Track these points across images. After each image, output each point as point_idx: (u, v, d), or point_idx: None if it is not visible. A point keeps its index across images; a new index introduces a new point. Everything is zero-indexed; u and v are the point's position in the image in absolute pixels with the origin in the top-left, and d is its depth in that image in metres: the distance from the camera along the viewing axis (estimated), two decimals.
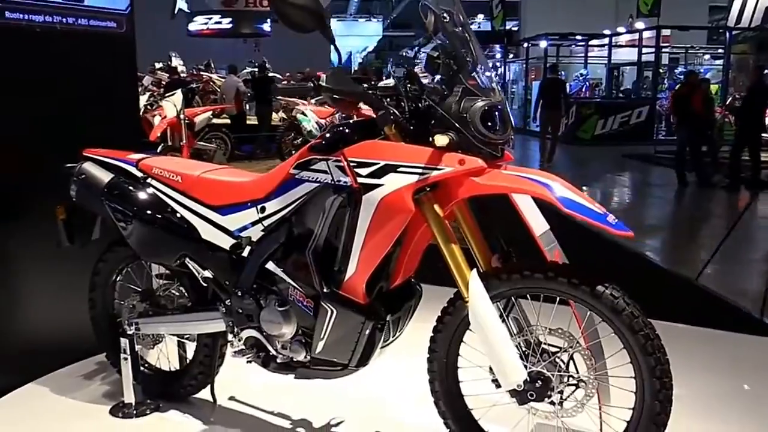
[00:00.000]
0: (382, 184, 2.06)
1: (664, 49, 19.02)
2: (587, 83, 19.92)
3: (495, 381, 2.16)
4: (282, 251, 2.36)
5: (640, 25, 18.77)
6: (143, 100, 8.88)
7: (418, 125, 2.12)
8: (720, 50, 19.65)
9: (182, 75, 13.99)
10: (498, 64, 23.95)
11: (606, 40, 19.96)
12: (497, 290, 2.13)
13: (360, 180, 2.10)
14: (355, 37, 39.13)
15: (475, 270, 2.12)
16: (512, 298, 2.19)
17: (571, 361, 2.17)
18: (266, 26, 24.69)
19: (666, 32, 18.82)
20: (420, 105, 2.13)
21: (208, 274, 2.53)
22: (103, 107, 3.32)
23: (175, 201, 2.58)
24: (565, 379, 2.15)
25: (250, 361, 2.48)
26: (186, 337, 2.86)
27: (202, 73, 16.63)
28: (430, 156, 2.03)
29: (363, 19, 40.02)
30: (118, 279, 2.96)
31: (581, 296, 2.05)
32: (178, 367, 2.96)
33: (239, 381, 2.96)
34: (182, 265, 2.59)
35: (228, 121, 12.90)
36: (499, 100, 2.10)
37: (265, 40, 24.62)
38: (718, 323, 3.92)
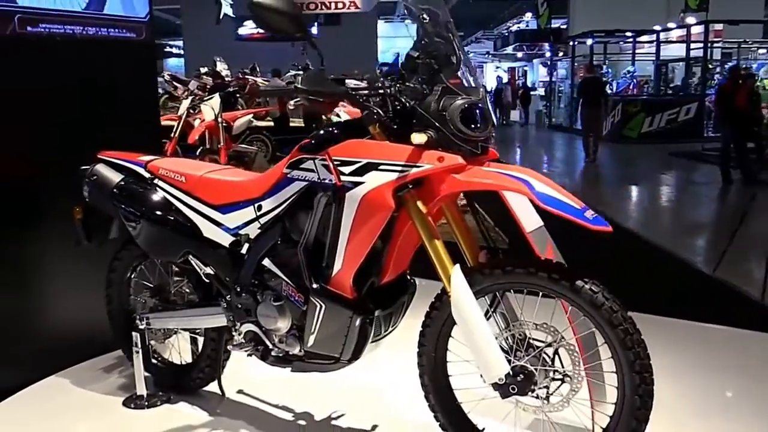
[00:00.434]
0: (364, 182, 2.12)
1: (715, 45, 18.60)
2: (634, 80, 19.56)
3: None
4: (277, 248, 2.44)
5: (691, 20, 18.38)
6: (186, 103, 9.07)
7: (402, 124, 2.17)
8: None
9: (227, 79, 14.24)
10: (547, 63, 23.75)
11: (654, 37, 19.58)
12: (480, 285, 2.17)
13: (343, 178, 2.16)
14: (402, 39, 39.17)
15: (457, 265, 2.16)
16: (497, 293, 2.22)
17: (557, 356, 2.19)
18: (314, 29, 24.95)
19: (718, 27, 18.41)
20: (407, 104, 2.18)
21: (209, 270, 2.63)
22: (123, 112, 3.44)
23: (179, 200, 2.67)
24: (550, 374, 2.17)
25: (250, 355, 2.57)
26: (197, 332, 2.97)
27: (246, 76, 16.89)
28: (410, 154, 2.08)
29: (409, 19, 40.04)
30: (132, 276, 3.08)
31: (561, 291, 2.07)
32: (190, 361, 3.06)
33: (248, 374, 3.04)
34: (186, 262, 2.69)
35: (271, 123, 13.08)
36: (479, 98, 2.13)
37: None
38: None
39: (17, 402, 3.00)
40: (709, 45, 17.69)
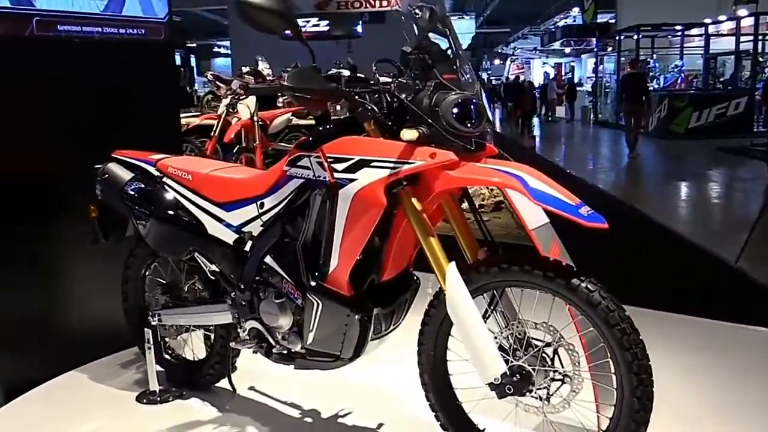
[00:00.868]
0: (356, 179, 2.11)
1: (766, 37, 18.06)
2: (682, 75, 19.10)
3: None
4: (278, 246, 2.44)
5: (742, 12, 17.87)
6: (225, 102, 9.19)
7: (397, 121, 2.15)
8: None
9: (268, 78, 14.38)
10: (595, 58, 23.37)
11: (703, 30, 19.11)
12: (477, 283, 2.14)
13: (336, 175, 2.15)
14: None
15: (453, 262, 2.13)
16: (495, 291, 2.19)
17: (557, 356, 2.14)
18: (359, 28, 25.01)
19: None
20: (400, 100, 2.16)
21: (214, 267, 2.64)
22: (142, 113, 3.49)
23: (186, 198, 2.70)
24: (549, 374, 2.12)
25: (255, 352, 2.58)
26: (210, 328, 2.99)
27: (359, 76, 16.95)
28: (402, 150, 2.06)
29: (455, 16, 39.81)
30: (147, 273, 3.12)
31: (557, 289, 2.02)
32: (202, 357, 3.09)
33: (261, 371, 3.05)
34: (193, 259, 2.71)
35: (312, 122, 13.16)
36: (473, 94, 2.10)
37: (357, 41, 24.94)
38: None
39: (33, 397, 3.06)
40: (759, 38, 17.16)
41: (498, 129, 23.20)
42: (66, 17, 3.21)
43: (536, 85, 29.84)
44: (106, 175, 2.89)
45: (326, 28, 25.11)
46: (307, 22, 25.29)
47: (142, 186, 2.79)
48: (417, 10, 2.09)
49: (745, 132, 15.00)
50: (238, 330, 2.62)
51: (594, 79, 24.61)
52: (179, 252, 2.72)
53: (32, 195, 3.16)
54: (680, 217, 8.13)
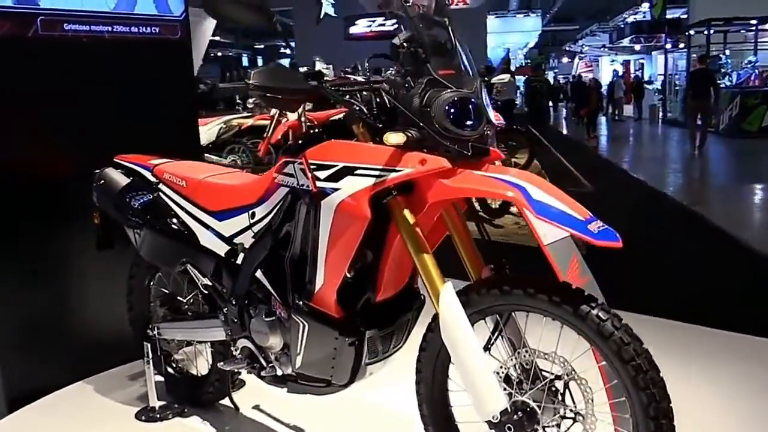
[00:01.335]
0: (339, 188, 1.88)
1: None
2: (756, 71, 18.14)
3: None
4: (268, 259, 2.24)
5: None
6: None
7: (389, 122, 1.92)
8: None
9: (326, 78, 14.35)
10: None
11: None
12: (477, 306, 1.89)
13: (319, 184, 1.93)
14: (514, 34, 38.35)
15: (448, 282, 1.89)
16: (498, 315, 1.94)
17: (568, 391, 1.88)
18: None
19: None
20: (392, 100, 1.93)
21: (207, 281, 2.46)
22: (157, 113, 3.36)
23: (179, 206, 2.53)
24: (558, 412, 1.86)
25: (249, 372, 2.39)
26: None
27: (348, 76, 16.90)
28: (389, 156, 1.83)
29: (521, 14, 39.10)
30: (152, 283, 2.97)
31: (564, 316, 1.76)
32: (205, 373, 2.92)
33: (267, 389, 2.82)
34: (186, 272, 2.54)
35: None
36: (472, 92, 1.85)
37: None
38: None
39: (34, 408, 2.96)
40: None
41: (564, 130, 22.61)
42: (72, 16, 3.09)
43: (603, 83, 28.96)
44: (102, 181, 2.74)
45: (392, 28, 24.90)
46: (373, 21, 25.21)
47: (135, 194, 2.63)
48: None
49: None
50: (231, 348, 2.44)
51: (663, 76, 23.73)
52: (172, 264, 2.55)
53: (40, 200, 3.05)
54: (741, 221, 7.59)
